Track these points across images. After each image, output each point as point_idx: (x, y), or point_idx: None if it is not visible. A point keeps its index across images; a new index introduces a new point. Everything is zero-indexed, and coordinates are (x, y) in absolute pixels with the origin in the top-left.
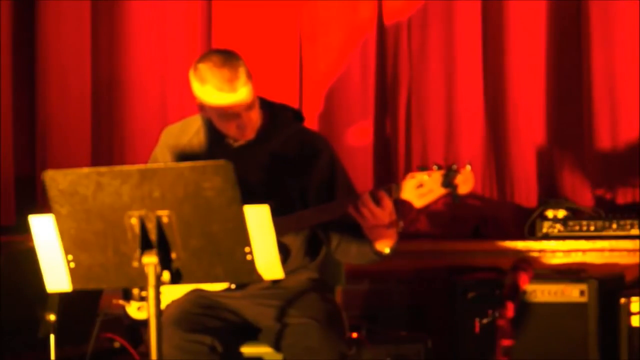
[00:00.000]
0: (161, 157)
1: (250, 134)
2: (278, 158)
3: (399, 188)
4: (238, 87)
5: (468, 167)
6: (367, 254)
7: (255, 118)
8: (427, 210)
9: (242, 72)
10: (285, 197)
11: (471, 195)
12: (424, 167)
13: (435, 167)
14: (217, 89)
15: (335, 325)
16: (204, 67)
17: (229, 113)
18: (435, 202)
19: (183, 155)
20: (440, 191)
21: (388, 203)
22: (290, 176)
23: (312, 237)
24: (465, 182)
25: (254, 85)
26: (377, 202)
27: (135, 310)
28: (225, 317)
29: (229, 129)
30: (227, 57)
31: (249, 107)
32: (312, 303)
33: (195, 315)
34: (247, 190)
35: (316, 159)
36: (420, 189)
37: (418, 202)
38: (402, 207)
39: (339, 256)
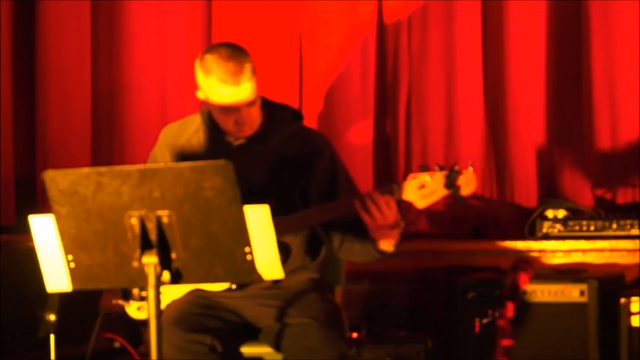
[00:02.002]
0: (160, 156)
1: (247, 131)
2: (278, 156)
3: (400, 189)
4: (242, 81)
5: (470, 168)
6: (371, 253)
7: (255, 115)
8: (427, 210)
9: (247, 68)
10: (285, 196)
11: (472, 195)
12: (425, 168)
13: (437, 167)
14: (220, 81)
15: (335, 325)
16: (210, 58)
17: (229, 107)
18: (437, 203)
19: (182, 154)
20: (443, 192)
21: (393, 203)
22: (291, 174)
23: (312, 237)
24: (468, 183)
25: (258, 82)
26: (385, 202)
27: (134, 310)
28: (225, 317)
29: (227, 123)
30: (235, 51)
31: (250, 103)
32: (312, 303)
33: (195, 316)
34: (247, 189)
35: (317, 157)
36: (423, 189)
37: (420, 203)
38: (403, 207)
39: (342, 255)
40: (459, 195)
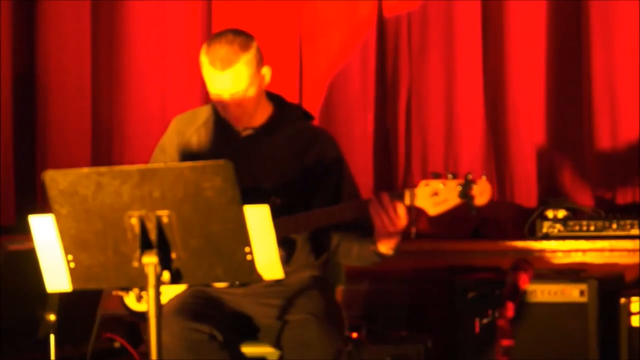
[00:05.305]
0: (169, 144)
1: (237, 118)
2: (286, 152)
3: (413, 194)
4: (228, 68)
5: (484, 178)
6: (369, 256)
7: (248, 107)
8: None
9: (241, 58)
10: (290, 190)
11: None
12: (437, 174)
13: (450, 175)
14: (209, 63)
15: (333, 322)
16: (214, 40)
17: (212, 91)
18: (449, 211)
19: (191, 144)
20: (456, 201)
21: (403, 209)
22: (296, 171)
23: (316, 235)
24: (482, 194)
25: (257, 76)
26: (393, 208)
27: (133, 301)
28: (225, 312)
29: (218, 105)
30: (238, 39)
31: (233, 93)
32: (312, 299)
33: (196, 305)
34: (251, 181)
35: (323, 158)
36: (435, 197)
37: (432, 211)
38: (410, 211)
39: (340, 257)
40: (472, 205)
